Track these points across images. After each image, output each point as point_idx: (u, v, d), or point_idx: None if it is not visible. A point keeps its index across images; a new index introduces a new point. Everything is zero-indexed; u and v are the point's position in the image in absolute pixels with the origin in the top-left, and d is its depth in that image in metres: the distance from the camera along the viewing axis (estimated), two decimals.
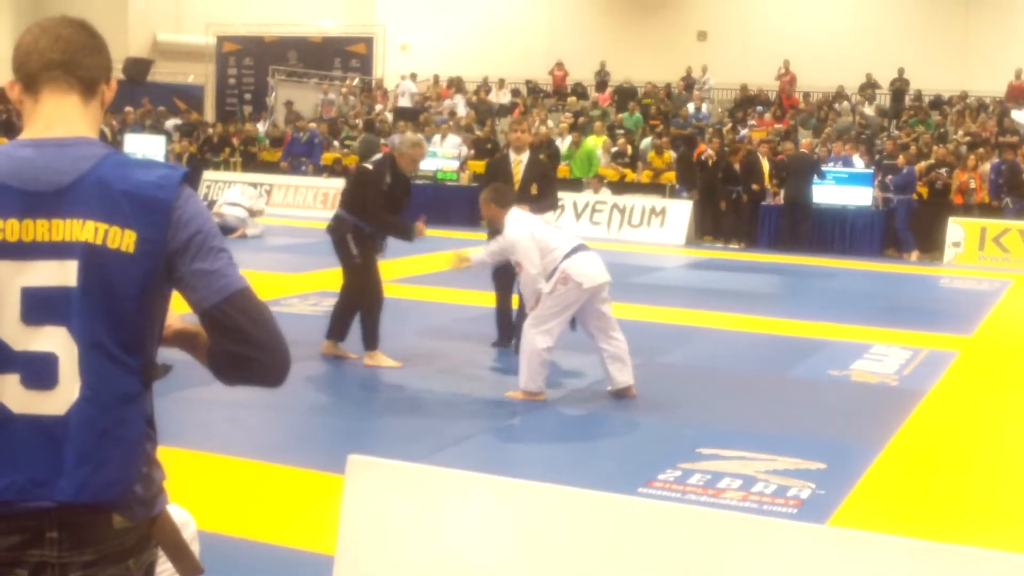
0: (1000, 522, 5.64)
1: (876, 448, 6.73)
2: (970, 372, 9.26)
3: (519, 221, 7.71)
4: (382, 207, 8.55)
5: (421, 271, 14.35)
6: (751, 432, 7.06)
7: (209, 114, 30.30)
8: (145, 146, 21.67)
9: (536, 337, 7.46)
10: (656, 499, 5.33)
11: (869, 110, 25.03)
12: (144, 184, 2.09)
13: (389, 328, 10.35)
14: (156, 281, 2.10)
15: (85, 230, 2.05)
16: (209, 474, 5.83)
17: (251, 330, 2.10)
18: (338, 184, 22.07)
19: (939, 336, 10.63)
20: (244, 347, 2.11)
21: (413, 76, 29.71)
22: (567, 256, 7.49)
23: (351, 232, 8.53)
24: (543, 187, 9.33)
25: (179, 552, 2.23)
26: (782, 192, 19.02)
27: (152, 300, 2.11)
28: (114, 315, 2.07)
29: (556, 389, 8.02)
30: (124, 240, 2.06)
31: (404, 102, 28.42)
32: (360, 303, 8.63)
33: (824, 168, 18.86)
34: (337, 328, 8.78)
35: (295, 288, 11.85)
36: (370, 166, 8.82)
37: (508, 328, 9.49)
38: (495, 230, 8.10)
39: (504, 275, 8.96)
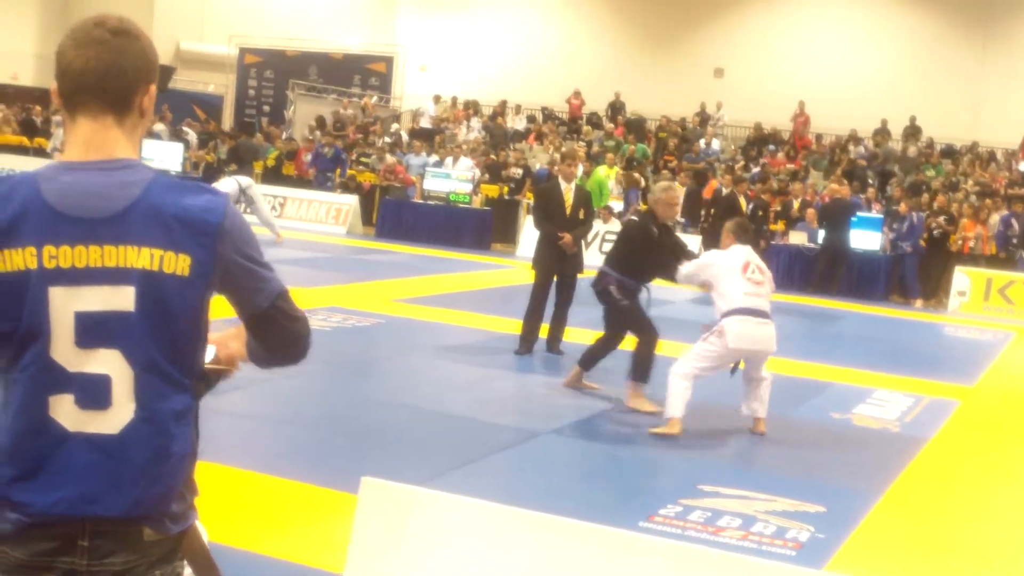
0: (988, 568, 5.71)
1: (875, 494, 6.80)
2: (971, 422, 9.33)
3: (732, 252, 8.05)
4: (655, 261, 8.67)
5: (433, 291, 14.45)
6: (753, 471, 7.16)
7: (227, 124, 30.50)
8: (163, 153, 21.79)
9: (681, 370, 7.76)
10: (656, 534, 5.42)
11: (883, 151, 25.13)
12: (193, 208, 2.18)
13: (402, 346, 10.48)
14: (207, 299, 2.22)
15: (141, 257, 2.13)
16: (217, 486, 5.90)
17: (298, 315, 2.34)
18: (351, 200, 22.29)
19: (941, 384, 10.71)
20: (293, 331, 2.33)
21: (437, 98, 29.94)
22: (732, 313, 7.73)
23: (614, 284, 8.68)
24: (587, 212, 10.63)
25: (206, 566, 2.31)
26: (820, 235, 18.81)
27: (204, 318, 2.23)
28: (169, 336, 2.17)
29: (564, 419, 8.12)
30: (179, 264, 2.15)
31: (424, 123, 28.63)
32: (647, 342, 8.59)
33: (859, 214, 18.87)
34: (638, 370, 8.54)
35: (306, 303, 11.94)
36: (636, 217, 9.07)
37: (533, 337, 10.43)
38: None
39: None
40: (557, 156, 22.44)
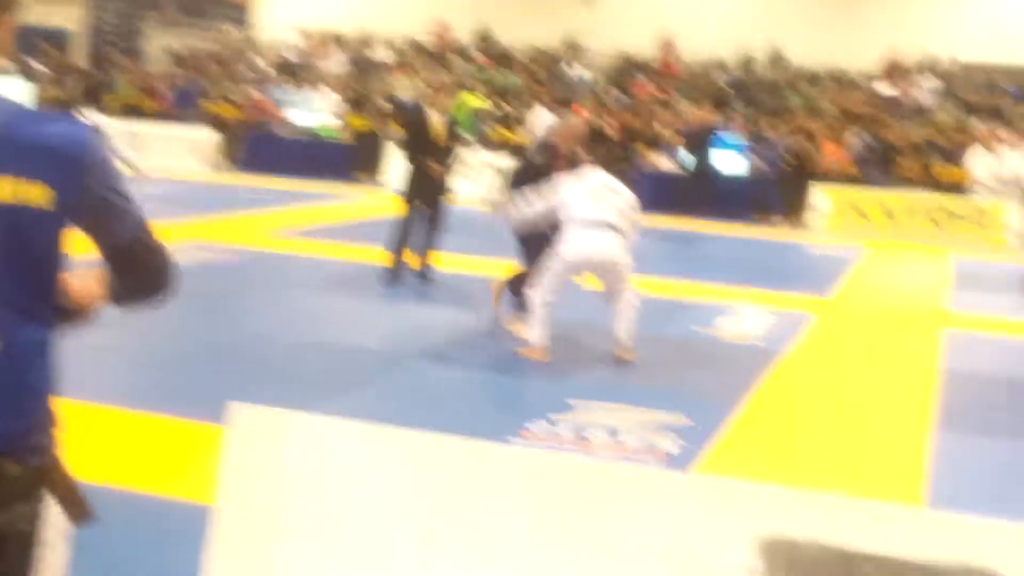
0: (846, 471, 5.99)
1: (737, 404, 7.04)
2: (826, 332, 9.71)
3: (581, 173, 8.11)
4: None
5: (300, 224, 14.33)
6: (620, 386, 7.31)
7: (78, 59, 29.40)
8: (10, 90, 20.91)
9: (535, 294, 7.86)
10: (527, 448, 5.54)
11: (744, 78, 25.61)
12: (54, 138, 2.09)
13: (269, 280, 10.40)
14: (68, 231, 2.13)
15: None
16: (82, 422, 5.79)
17: (162, 250, 2.30)
18: (214, 135, 21.77)
19: (799, 298, 11.09)
20: (156, 266, 2.30)
21: (299, 30, 29.34)
22: (571, 226, 7.79)
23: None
24: (456, 142, 10.81)
25: (71, 498, 2.26)
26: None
27: (64, 250, 2.15)
28: (29, 269, 2.09)
29: (434, 344, 8.19)
30: (39, 195, 2.06)
31: (287, 55, 28.05)
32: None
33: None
34: (521, 297, 8.56)
35: (169, 239, 11.68)
36: (536, 154, 9.05)
37: (399, 269, 10.41)
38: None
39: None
40: (424, 87, 22.29)
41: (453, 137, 10.66)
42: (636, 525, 3.18)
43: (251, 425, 3.49)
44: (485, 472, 3.34)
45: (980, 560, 2.42)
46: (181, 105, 23.15)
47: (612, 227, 7.87)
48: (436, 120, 10.51)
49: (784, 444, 6.48)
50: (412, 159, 10.55)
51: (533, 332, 7.88)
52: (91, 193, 2.13)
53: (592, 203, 7.88)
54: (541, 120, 21.23)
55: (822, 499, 3.17)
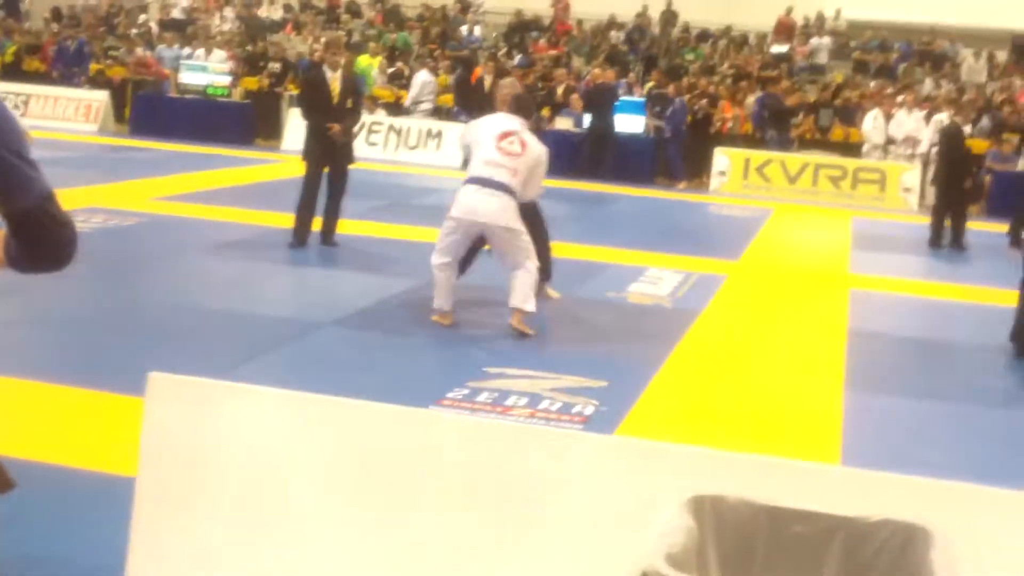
0: (763, 430, 6.03)
1: (654, 366, 7.03)
2: (737, 294, 9.77)
3: (497, 118, 7.87)
4: None
5: (197, 188, 13.95)
6: (537, 352, 7.25)
7: None
8: None
9: (433, 259, 7.63)
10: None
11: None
12: None
13: (170, 245, 10.09)
14: None
15: None
16: None
17: (65, 219, 2.27)
18: (101, 96, 21.05)
19: (709, 260, 11.13)
20: (59, 234, 2.26)
21: None
22: (466, 182, 7.56)
23: None
24: (355, 101, 10.61)
25: None
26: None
27: None
28: None
29: (344, 310, 8.02)
30: None
31: (174, 13, 27.25)
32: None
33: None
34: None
35: (63, 204, 11.28)
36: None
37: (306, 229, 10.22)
38: None
39: None
40: (317, 46, 21.83)
41: (352, 96, 10.42)
42: (564, 488, 3.13)
43: (170, 395, 3.38)
44: (409, 437, 3.26)
45: (901, 515, 2.46)
46: (67, 65, 22.30)
47: (504, 189, 7.46)
48: (333, 79, 10.26)
49: (702, 405, 6.49)
50: (310, 120, 10.31)
51: (434, 297, 7.71)
52: None
53: (496, 156, 7.49)
54: (419, 81, 21.07)
55: (747, 458, 3.17)
